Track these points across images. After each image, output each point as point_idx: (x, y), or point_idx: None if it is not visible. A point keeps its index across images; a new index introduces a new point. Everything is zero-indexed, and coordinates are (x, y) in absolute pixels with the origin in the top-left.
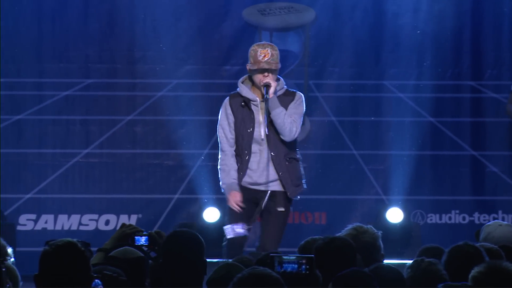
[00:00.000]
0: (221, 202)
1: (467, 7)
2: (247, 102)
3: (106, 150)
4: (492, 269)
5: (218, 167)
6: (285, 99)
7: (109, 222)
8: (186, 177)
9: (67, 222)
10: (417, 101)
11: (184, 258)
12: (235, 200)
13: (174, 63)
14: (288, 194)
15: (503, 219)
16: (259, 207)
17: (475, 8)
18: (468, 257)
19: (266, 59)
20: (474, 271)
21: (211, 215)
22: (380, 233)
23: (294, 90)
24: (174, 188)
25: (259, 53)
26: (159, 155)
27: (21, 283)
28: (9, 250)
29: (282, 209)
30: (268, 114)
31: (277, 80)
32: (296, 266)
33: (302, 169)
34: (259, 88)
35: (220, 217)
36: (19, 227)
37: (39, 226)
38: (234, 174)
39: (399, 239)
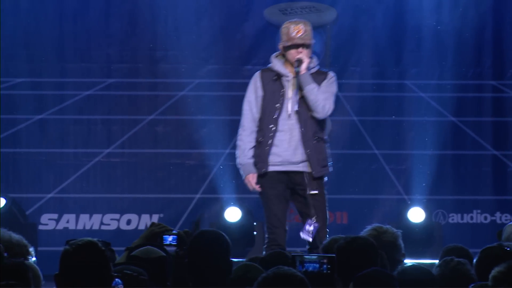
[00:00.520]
0: (242, 202)
1: (488, 7)
2: (279, 76)
3: (127, 149)
4: None
5: (236, 142)
6: (318, 77)
7: (130, 222)
8: (207, 177)
9: (89, 222)
10: (439, 100)
11: (210, 258)
12: (251, 184)
13: (195, 62)
14: (314, 173)
15: None
16: (307, 196)
17: (496, 8)
18: (499, 259)
19: (299, 34)
20: (494, 271)
21: (232, 214)
22: (400, 232)
23: (327, 70)
24: (195, 187)
25: (291, 29)
26: (180, 155)
27: (43, 282)
28: (31, 249)
29: (316, 191)
30: (299, 90)
31: (311, 58)
32: (317, 265)
33: (328, 151)
34: (292, 64)
35: (242, 216)
36: (41, 227)
37: (60, 226)
38: (249, 153)
39: (420, 239)
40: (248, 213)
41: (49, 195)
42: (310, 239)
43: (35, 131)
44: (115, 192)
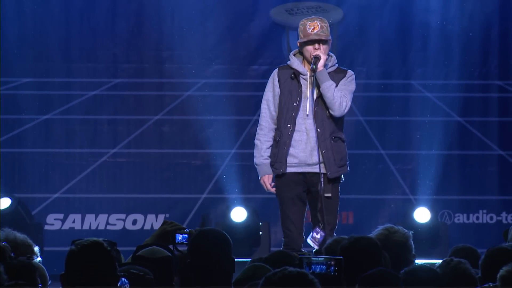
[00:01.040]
0: (248, 202)
1: (495, 6)
2: (296, 74)
3: (133, 149)
4: None
5: (254, 141)
6: (336, 76)
7: (136, 222)
8: (213, 177)
9: (95, 222)
10: (445, 100)
11: (211, 257)
12: (266, 185)
13: (201, 62)
14: (328, 174)
15: None
16: (320, 195)
17: (503, 7)
18: (506, 259)
19: (316, 31)
20: (502, 270)
21: (238, 214)
22: (411, 233)
23: (346, 68)
24: (201, 187)
25: (308, 26)
26: (186, 155)
27: (49, 282)
28: (36, 249)
29: (329, 194)
30: (317, 88)
31: (329, 56)
32: (324, 267)
33: (346, 150)
34: (309, 62)
35: (247, 216)
36: (46, 227)
37: (66, 226)
38: (265, 153)
39: (426, 239)
40: (254, 213)
41: (55, 195)
42: (316, 247)
43: (41, 131)
44: (121, 192)
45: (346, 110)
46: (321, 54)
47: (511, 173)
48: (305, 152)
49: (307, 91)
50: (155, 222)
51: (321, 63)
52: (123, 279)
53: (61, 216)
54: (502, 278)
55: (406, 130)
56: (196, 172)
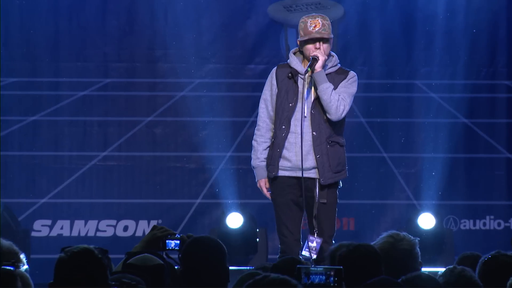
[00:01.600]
0: (244, 207)
1: (503, 4)
2: (294, 74)
3: (124, 152)
4: None
5: (252, 141)
6: (337, 77)
7: (127, 228)
8: (208, 181)
9: (84, 228)
10: (450, 101)
11: (205, 266)
12: (264, 190)
13: (196, 61)
14: (322, 180)
15: None
16: (314, 204)
17: (511, 4)
18: (504, 267)
19: (317, 29)
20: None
21: (234, 220)
22: (417, 240)
23: (348, 69)
24: (195, 192)
25: (309, 24)
26: (180, 158)
27: None
28: (22, 256)
29: (325, 200)
30: (314, 89)
31: (331, 56)
32: (323, 277)
33: (345, 155)
34: (309, 61)
35: (244, 222)
36: (33, 233)
37: (54, 232)
38: (262, 155)
39: (431, 246)
40: (251, 219)
41: (43, 200)
42: (314, 256)
43: (28, 133)
44: (112, 197)
45: (343, 114)
46: (319, 55)
47: None
48: (298, 155)
49: (304, 91)
50: (147, 228)
51: (319, 64)
52: None
53: (48, 222)
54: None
55: (409, 132)
56: (190, 176)
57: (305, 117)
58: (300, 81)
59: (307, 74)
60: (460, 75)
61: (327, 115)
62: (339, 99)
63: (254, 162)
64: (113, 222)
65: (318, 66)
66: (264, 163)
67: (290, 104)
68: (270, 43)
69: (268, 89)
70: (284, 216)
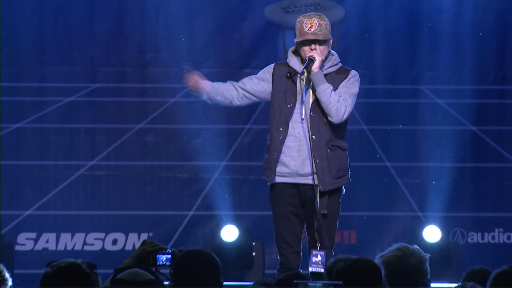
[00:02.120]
0: (239, 219)
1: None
2: (292, 74)
3: (113, 162)
4: None
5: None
6: (337, 77)
7: (116, 242)
8: (201, 192)
9: (71, 242)
10: (457, 107)
11: (198, 281)
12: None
13: (189, 65)
14: (321, 187)
15: None
16: (316, 210)
17: None
18: None
19: (312, 29)
20: None
21: (229, 233)
22: (428, 256)
23: (349, 68)
24: (188, 203)
25: (305, 24)
26: (172, 168)
27: None
28: (7, 275)
29: (325, 211)
30: (313, 91)
31: (330, 55)
32: None
33: (347, 159)
34: (304, 62)
35: (239, 235)
36: (17, 247)
37: (39, 246)
38: (217, 84)
39: (437, 260)
40: (247, 232)
41: (27, 212)
42: (322, 270)
43: (11, 142)
44: (100, 208)
45: (345, 116)
46: (316, 55)
47: None
48: (296, 160)
49: (304, 92)
50: (137, 241)
51: (316, 65)
52: None
53: (33, 235)
54: None
55: (414, 140)
56: (183, 187)
57: (303, 119)
58: (299, 82)
59: (304, 75)
60: (467, 79)
61: (328, 118)
62: (340, 100)
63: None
64: (102, 235)
65: (315, 67)
66: (210, 83)
67: (289, 105)
68: (267, 46)
69: (260, 75)
70: (282, 227)
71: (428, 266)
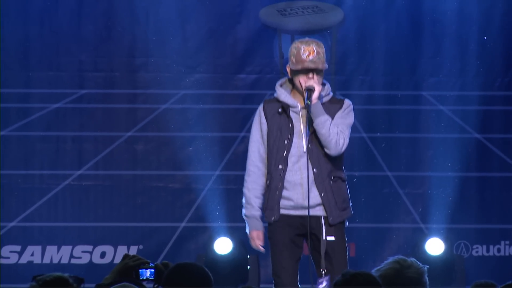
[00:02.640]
0: (233, 231)
1: None
2: (285, 108)
3: (102, 171)
4: None
5: (243, 189)
6: (331, 107)
7: (105, 255)
8: (194, 203)
9: (57, 255)
10: (461, 114)
11: None
12: (257, 242)
13: (180, 71)
14: (330, 219)
15: None
16: (322, 242)
17: None
18: None
19: (311, 57)
20: None
21: (223, 246)
22: (426, 268)
23: (342, 98)
24: (180, 215)
25: (302, 51)
26: (163, 177)
27: None
28: None
29: (332, 238)
30: (310, 123)
31: (323, 85)
32: None
33: (348, 191)
34: (300, 92)
35: (233, 248)
36: (1, 260)
37: (24, 259)
38: (256, 203)
39: (440, 274)
40: (241, 244)
41: (11, 224)
42: None
43: None
44: (88, 220)
45: (343, 149)
46: (315, 85)
47: None
48: (299, 194)
49: (300, 126)
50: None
51: (315, 95)
52: None
53: (18, 248)
54: None
55: (416, 148)
56: (174, 197)
57: (305, 152)
58: (293, 115)
59: (300, 106)
60: (472, 85)
61: (326, 150)
62: (338, 132)
63: (247, 212)
64: (89, 247)
65: (314, 97)
66: (259, 213)
67: (286, 141)
68: (262, 51)
69: (257, 129)
70: (280, 256)
71: (426, 278)
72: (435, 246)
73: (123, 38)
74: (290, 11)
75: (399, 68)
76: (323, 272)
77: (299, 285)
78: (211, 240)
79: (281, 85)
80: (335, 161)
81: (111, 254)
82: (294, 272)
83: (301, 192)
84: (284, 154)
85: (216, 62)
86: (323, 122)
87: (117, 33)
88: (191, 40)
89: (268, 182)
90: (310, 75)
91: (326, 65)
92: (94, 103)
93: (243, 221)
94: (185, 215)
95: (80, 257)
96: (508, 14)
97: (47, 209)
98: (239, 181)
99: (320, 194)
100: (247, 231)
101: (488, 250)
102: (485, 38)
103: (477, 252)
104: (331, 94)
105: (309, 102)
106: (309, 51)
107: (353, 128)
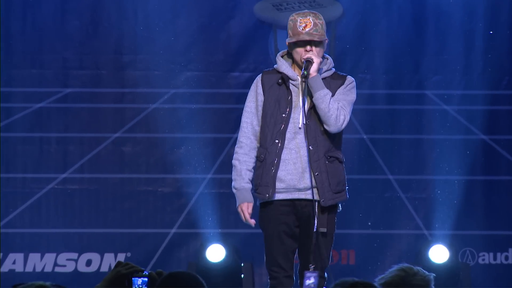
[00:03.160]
0: (227, 238)
1: None
2: (285, 80)
3: (87, 174)
4: None
5: (232, 161)
6: (333, 82)
7: (91, 263)
8: (185, 208)
9: (40, 263)
10: (466, 114)
11: None
12: (245, 215)
13: (171, 68)
14: (322, 201)
15: None
16: (313, 231)
17: None
18: None
19: (307, 29)
20: None
21: (215, 253)
22: (432, 276)
23: (345, 74)
24: (170, 220)
25: (298, 23)
26: (152, 181)
27: None
28: None
29: (325, 229)
30: (309, 97)
31: (325, 59)
32: None
33: (344, 173)
34: (300, 66)
35: (226, 256)
36: None
37: (5, 268)
38: (246, 176)
39: (444, 283)
40: (234, 251)
41: None
42: None
43: None
44: (73, 226)
45: (344, 125)
46: (313, 57)
47: None
48: (293, 174)
49: (298, 100)
50: (113, 262)
51: (314, 68)
52: None
53: None
54: None
55: (419, 150)
56: (164, 202)
57: (300, 128)
58: (292, 88)
59: (300, 80)
60: (477, 84)
61: (325, 127)
62: (339, 108)
63: (237, 184)
64: (74, 255)
65: (313, 70)
66: (249, 186)
67: (284, 115)
68: (257, 47)
69: (253, 99)
70: (275, 249)
71: (433, 287)
72: (439, 254)
73: (110, 34)
74: (286, 5)
75: (401, 65)
76: (312, 267)
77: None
78: (203, 247)
79: (282, 56)
80: (334, 139)
81: (97, 262)
82: (290, 265)
83: (293, 173)
84: (282, 128)
85: (208, 59)
86: (322, 96)
87: (103, 28)
88: (181, 36)
89: (263, 156)
90: (308, 47)
91: (325, 37)
92: (80, 102)
93: (237, 227)
94: (175, 220)
95: (64, 265)
96: None
97: (30, 214)
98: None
99: (313, 174)
100: (237, 204)
101: (495, 258)
102: (491, 32)
103: (483, 260)
104: (334, 69)
105: (305, 72)
106: (305, 23)
107: (353, 130)
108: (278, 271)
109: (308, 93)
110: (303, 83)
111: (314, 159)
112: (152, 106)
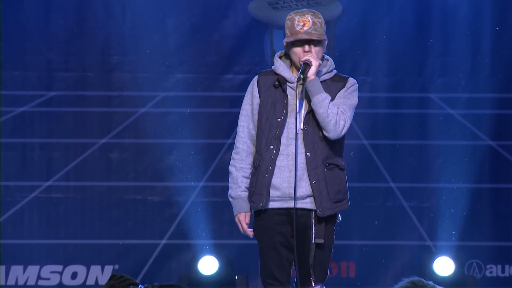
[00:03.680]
0: (220, 249)
1: None
2: (281, 82)
3: (73, 182)
4: None
5: (228, 168)
6: (334, 85)
7: (76, 275)
8: (176, 217)
9: (23, 276)
10: (473, 119)
11: None
12: (242, 226)
13: (161, 70)
14: (319, 211)
15: None
16: (311, 247)
17: None
18: None
19: (305, 28)
20: None
21: (207, 265)
22: None
23: (346, 76)
24: (160, 231)
25: (296, 22)
26: (141, 189)
27: None
28: None
29: (321, 241)
30: (307, 100)
31: (325, 60)
32: None
33: (346, 181)
34: (298, 68)
35: (219, 268)
36: None
37: None
38: (243, 184)
39: None
40: (228, 263)
41: None
42: None
43: None
44: (57, 237)
45: (344, 131)
46: (312, 59)
47: None
48: (289, 182)
49: (295, 103)
50: (100, 275)
51: (312, 71)
52: None
53: None
54: None
55: (423, 157)
56: (154, 211)
57: (298, 133)
58: (289, 91)
59: (299, 82)
60: (484, 86)
61: (324, 133)
62: (339, 113)
63: (233, 192)
64: (59, 267)
65: (311, 73)
66: (246, 194)
67: (279, 119)
68: (252, 48)
69: (249, 102)
70: (270, 261)
71: None
72: (444, 266)
73: (96, 34)
74: (282, 4)
75: (404, 67)
76: (313, 280)
77: None
78: (194, 259)
79: (280, 57)
80: (334, 146)
81: (83, 275)
82: (284, 277)
83: (290, 180)
84: (277, 133)
85: (200, 61)
86: (321, 100)
87: (90, 28)
88: (172, 36)
89: (257, 163)
90: (306, 47)
91: (325, 37)
92: (65, 106)
93: (231, 237)
94: (165, 231)
95: (48, 278)
96: None
97: (12, 224)
98: (226, 193)
99: (310, 182)
100: (234, 214)
101: (503, 271)
102: (497, 29)
103: (491, 272)
104: (335, 71)
105: (302, 76)
106: (304, 22)
107: (353, 135)
108: (274, 283)
109: (306, 96)
110: (301, 86)
111: (312, 166)
112: (141, 110)
